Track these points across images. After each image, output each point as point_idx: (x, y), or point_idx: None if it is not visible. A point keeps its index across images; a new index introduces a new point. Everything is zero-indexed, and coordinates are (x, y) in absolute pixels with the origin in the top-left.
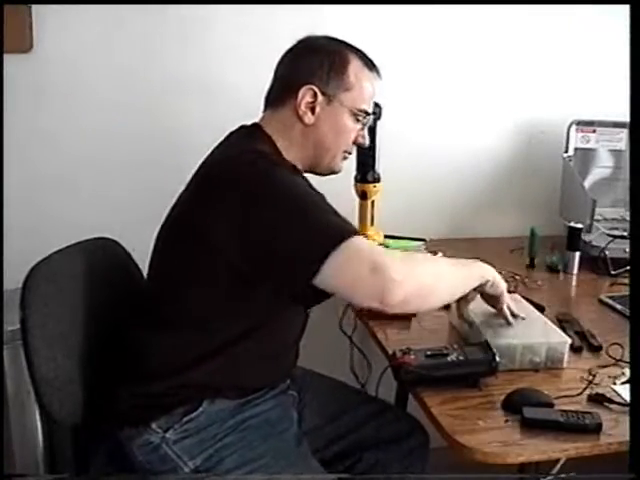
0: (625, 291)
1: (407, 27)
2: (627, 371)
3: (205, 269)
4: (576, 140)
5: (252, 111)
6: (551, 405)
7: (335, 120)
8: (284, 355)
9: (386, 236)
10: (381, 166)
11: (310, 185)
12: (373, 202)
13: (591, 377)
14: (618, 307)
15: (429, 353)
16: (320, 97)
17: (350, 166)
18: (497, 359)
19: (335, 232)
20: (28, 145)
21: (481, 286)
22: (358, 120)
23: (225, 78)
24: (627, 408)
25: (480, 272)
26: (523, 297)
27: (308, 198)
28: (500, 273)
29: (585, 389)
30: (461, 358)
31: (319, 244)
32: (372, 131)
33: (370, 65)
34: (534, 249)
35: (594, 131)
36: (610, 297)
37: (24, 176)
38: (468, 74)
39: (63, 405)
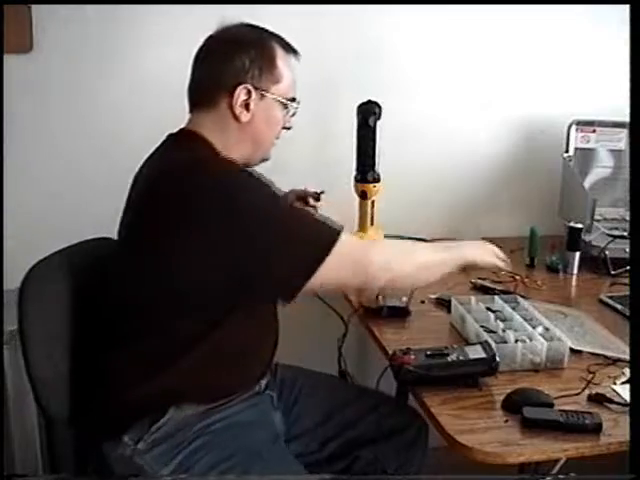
0: (625, 291)
1: (406, 27)
2: (627, 371)
3: (167, 286)
4: (576, 140)
5: None
6: (551, 405)
7: (268, 114)
8: (250, 357)
9: (386, 236)
10: (381, 166)
11: (268, 185)
12: (373, 202)
13: (591, 377)
14: (618, 307)
15: (429, 353)
16: (254, 94)
17: (350, 166)
18: (497, 359)
19: (322, 241)
20: (28, 145)
21: (471, 266)
22: (286, 108)
23: None
24: (627, 408)
25: (461, 255)
26: (522, 297)
27: (282, 210)
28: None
29: (585, 389)
30: (461, 358)
31: (308, 256)
32: (372, 131)
33: (290, 50)
34: (534, 249)
35: (594, 131)
36: (610, 297)
37: (24, 176)
38: (468, 74)
39: (60, 404)
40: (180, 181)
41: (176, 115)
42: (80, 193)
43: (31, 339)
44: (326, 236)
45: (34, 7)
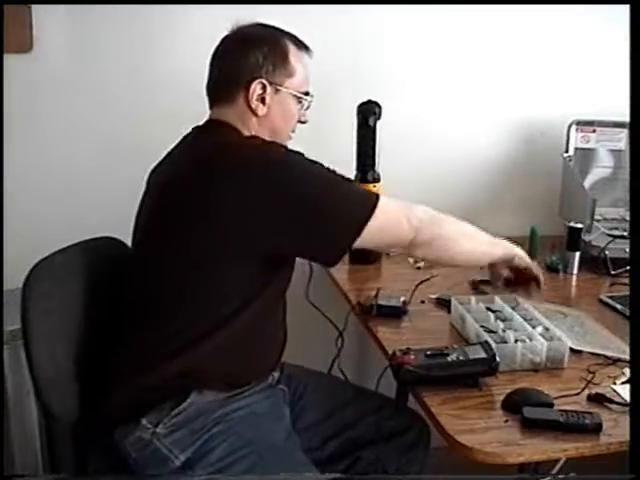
0: (625, 291)
1: (407, 27)
2: (627, 371)
3: (203, 254)
4: (576, 140)
5: None
6: (551, 405)
7: (283, 107)
8: (266, 344)
9: None
10: (381, 166)
11: (301, 153)
12: None
13: (591, 377)
14: (618, 307)
15: (429, 353)
16: (269, 88)
17: (350, 166)
18: (497, 359)
19: (367, 200)
20: (28, 145)
21: (509, 260)
22: (300, 102)
23: None
24: (627, 408)
25: (506, 246)
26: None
27: (330, 174)
28: None
29: (585, 389)
30: (461, 358)
31: (357, 214)
32: (372, 131)
33: (302, 46)
34: (534, 249)
35: (594, 131)
36: (610, 297)
37: (24, 176)
38: (469, 75)
39: (62, 402)
40: (217, 164)
41: (178, 114)
42: (80, 193)
43: (34, 337)
44: (368, 199)
45: (34, 7)
